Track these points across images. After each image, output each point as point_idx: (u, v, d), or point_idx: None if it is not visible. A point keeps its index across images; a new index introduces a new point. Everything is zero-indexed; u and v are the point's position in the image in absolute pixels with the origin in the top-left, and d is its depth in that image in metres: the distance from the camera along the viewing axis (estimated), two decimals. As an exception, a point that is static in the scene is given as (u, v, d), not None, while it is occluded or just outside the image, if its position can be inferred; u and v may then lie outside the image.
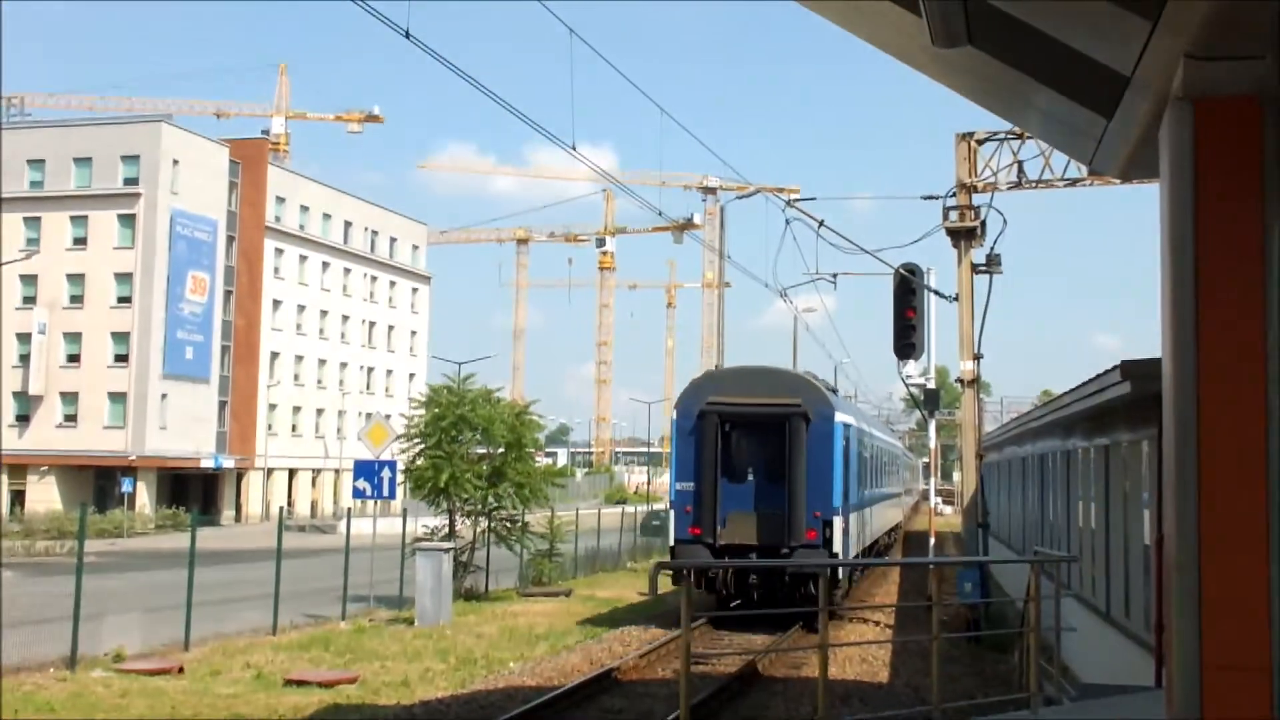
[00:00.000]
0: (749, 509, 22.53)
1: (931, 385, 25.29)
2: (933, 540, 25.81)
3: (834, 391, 26.96)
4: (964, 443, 26.54)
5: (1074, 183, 26.24)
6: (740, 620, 22.31)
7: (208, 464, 73.35)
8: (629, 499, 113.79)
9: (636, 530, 47.78)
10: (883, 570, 36.82)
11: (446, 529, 29.46)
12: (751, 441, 22.61)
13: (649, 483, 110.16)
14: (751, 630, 21.83)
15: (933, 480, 26.69)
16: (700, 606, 22.84)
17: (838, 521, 22.21)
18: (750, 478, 22.74)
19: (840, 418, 23.01)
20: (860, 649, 19.96)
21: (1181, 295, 5.97)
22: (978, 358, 25.18)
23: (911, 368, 24.33)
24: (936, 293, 24.97)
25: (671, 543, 22.36)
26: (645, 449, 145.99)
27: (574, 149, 17.17)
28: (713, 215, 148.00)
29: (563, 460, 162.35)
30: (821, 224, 25.24)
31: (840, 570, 23.61)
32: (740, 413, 22.40)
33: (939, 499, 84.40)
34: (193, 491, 73.85)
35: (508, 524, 30.27)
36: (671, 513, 22.63)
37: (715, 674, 17.66)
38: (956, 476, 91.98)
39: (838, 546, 22.09)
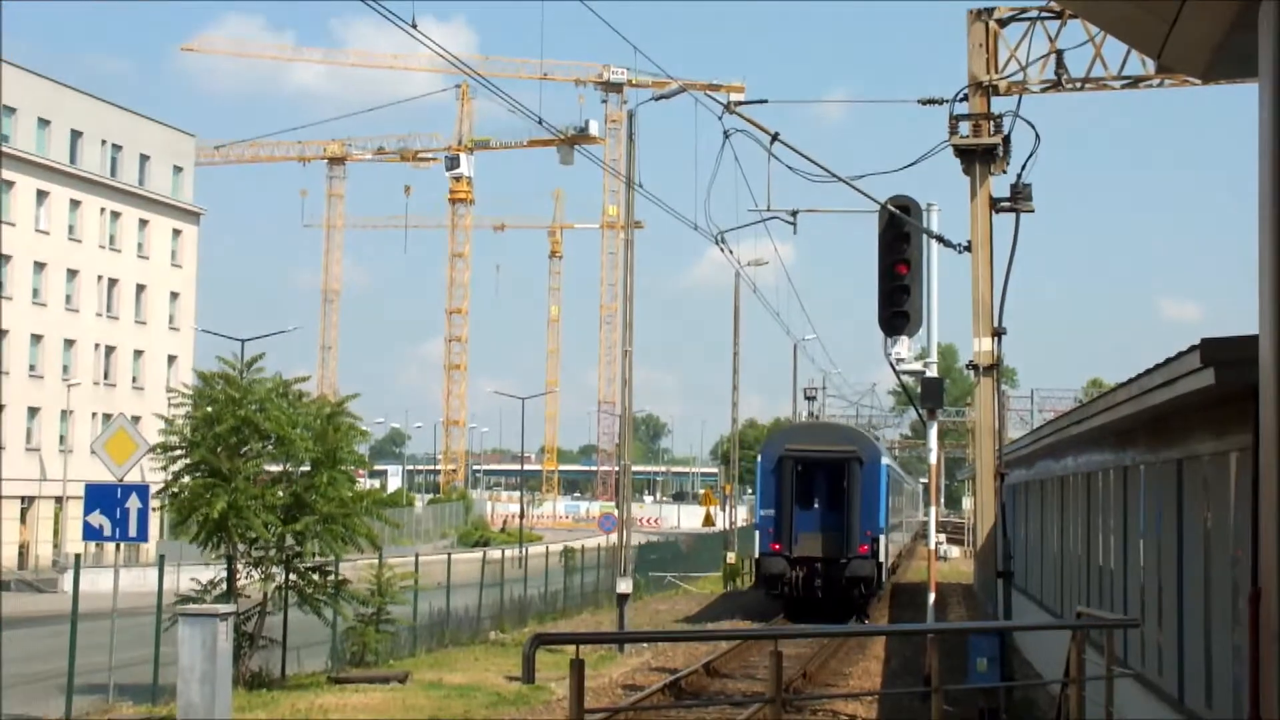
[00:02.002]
0: (816, 529, 44.29)
1: (932, 373, 25.57)
2: (932, 596, 26.14)
3: (878, 440, 50.29)
4: (978, 456, 26.89)
5: (1135, 82, 26.69)
6: (804, 615, 42.34)
7: None
8: (493, 539, 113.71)
9: (597, 570, 46.92)
10: (858, 640, 37.27)
11: (224, 584, 29.18)
12: (818, 478, 44.68)
13: (523, 516, 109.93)
14: (814, 619, 41.22)
15: (933, 511, 27.02)
16: (756, 614, 44.50)
17: (883, 538, 44.70)
18: (816, 505, 44.67)
19: (884, 461, 46.29)
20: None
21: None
22: (999, 334, 25.51)
23: (903, 347, 24.57)
24: (940, 239, 25.21)
25: (757, 555, 45.33)
26: (519, 466, 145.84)
27: (414, 26, 17.03)
28: (617, 124, 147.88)
29: (396, 483, 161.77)
30: (775, 138, 25.34)
31: (883, 571, 46.56)
32: (810, 458, 44.65)
33: (941, 537, 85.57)
34: None
35: (315, 577, 30.16)
36: (757, 532, 45.59)
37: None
38: (967, 504, 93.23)
39: (882, 556, 44.90)
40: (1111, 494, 20.48)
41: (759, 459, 46.44)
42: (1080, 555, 23.76)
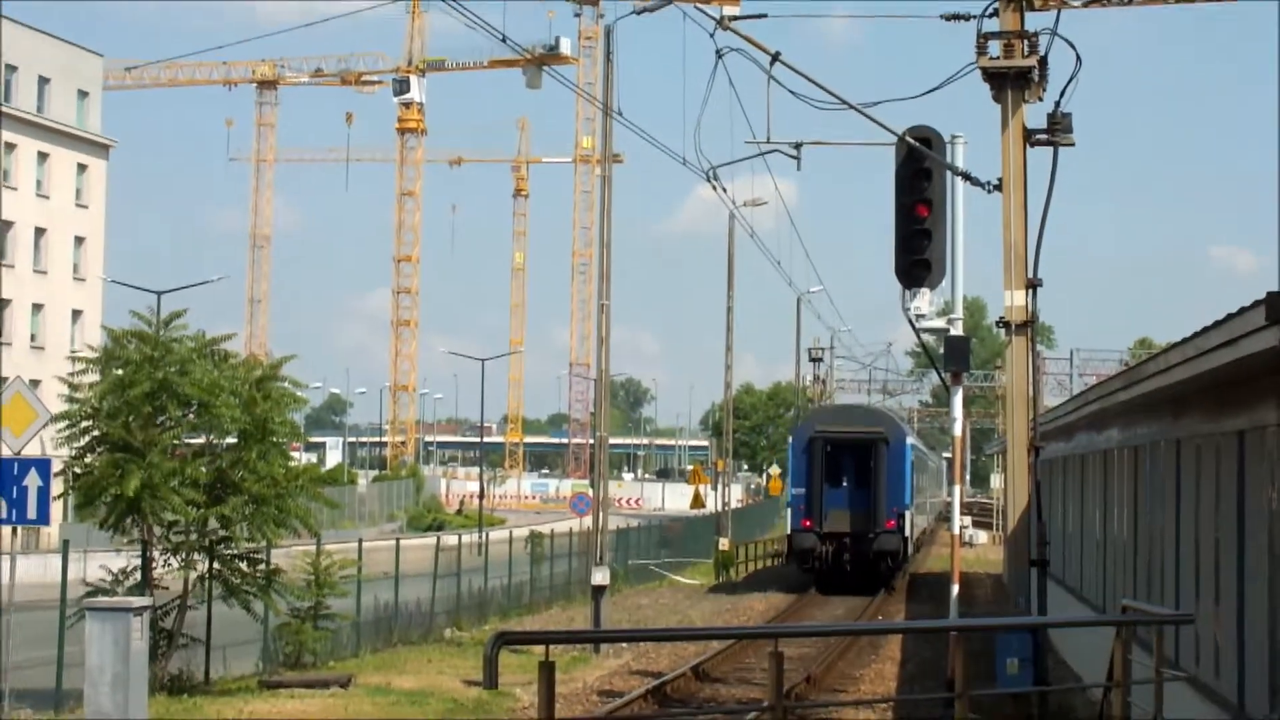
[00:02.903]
0: (844, 506, 52.90)
1: (957, 330, 25.58)
2: (955, 589, 26.20)
3: (904, 421, 62.34)
4: (1009, 427, 26.92)
5: (1192, -4, 26.61)
6: (837, 589, 52.19)
7: None
8: (449, 522, 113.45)
9: (569, 558, 47.47)
10: (869, 639, 37.38)
11: (138, 574, 29.18)
12: (846, 458, 53.66)
13: (483, 495, 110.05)
14: (845, 594, 51.15)
15: (957, 490, 27.02)
16: (787, 585, 55.86)
17: (908, 514, 53.45)
18: (845, 484, 53.52)
19: (909, 441, 55.92)
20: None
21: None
22: (1033, 286, 25.49)
23: (924, 301, 24.57)
24: (966, 176, 25.21)
25: (789, 531, 54.57)
26: (478, 439, 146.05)
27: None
28: (592, 41, 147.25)
29: (335, 457, 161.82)
30: (776, 59, 25.29)
31: (909, 545, 56.43)
32: (839, 438, 53.70)
33: (966, 519, 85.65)
34: None
35: (243, 566, 30.18)
36: (789, 510, 54.81)
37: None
38: (996, 482, 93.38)
39: (908, 531, 53.85)
40: (1163, 470, 20.56)
41: (790, 440, 58.42)
42: (1126, 541, 23.86)
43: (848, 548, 52.92)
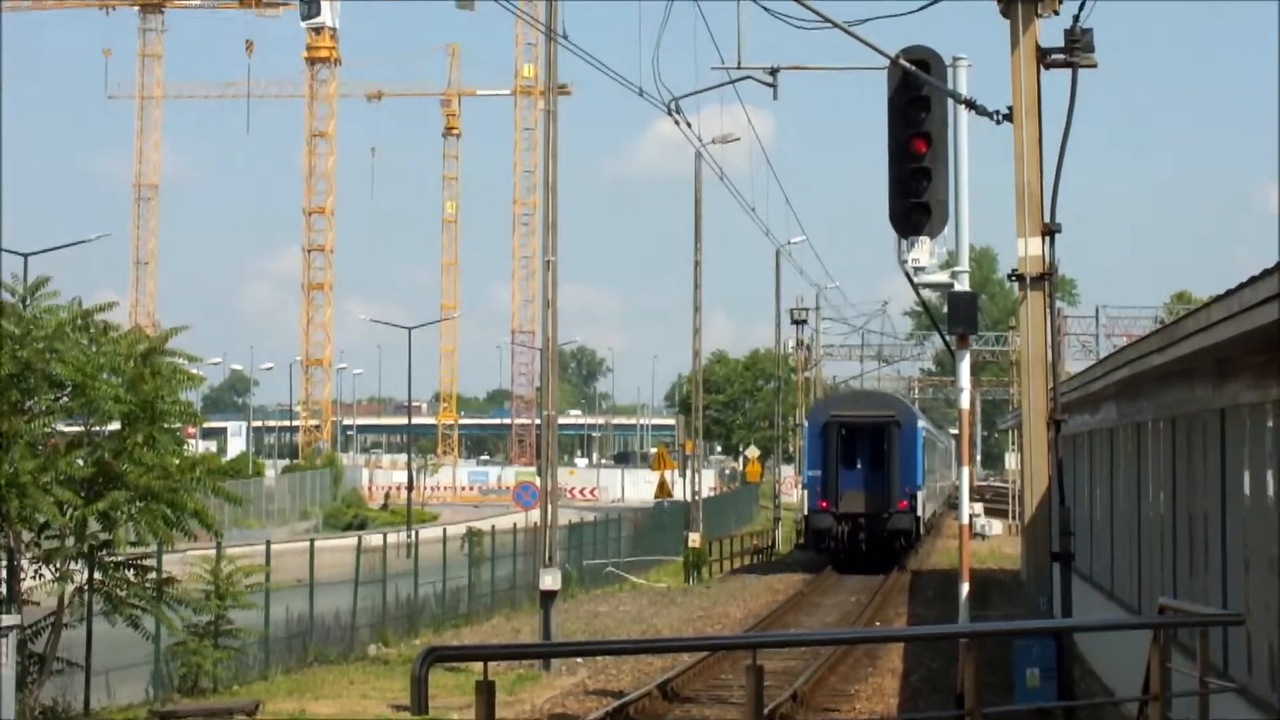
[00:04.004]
0: (859, 488, 65.07)
1: (963, 286, 25.56)
2: (965, 588, 26.21)
3: (915, 405, 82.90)
4: (1025, 397, 26.89)
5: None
6: (850, 568, 62.98)
7: None
8: (373, 519, 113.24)
9: (513, 559, 47.60)
10: (866, 649, 37.40)
11: (3, 589, 29.02)
12: (861, 441, 66.11)
13: (412, 487, 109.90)
14: (859, 573, 61.13)
15: (965, 472, 27.04)
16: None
17: (920, 494, 66.29)
18: (859, 466, 66.03)
19: (920, 424, 69.22)
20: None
21: None
22: (1051, 232, 25.49)
23: (924, 252, 24.54)
24: (971, 105, 25.17)
25: (805, 513, 66.76)
26: (405, 420, 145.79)
27: None
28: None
29: (238, 445, 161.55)
30: (746, -29, 25.15)
31: (921, 525, 70.53)
32: (853, 422, 66.19)
33: (976, 506, 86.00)
34: None
35: (129, 575, 30.03)
36: (805, 492, 67.50)
37: None
38: (1011, 463, 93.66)
39: (919, 510, 66.94)
40: (1207, 446, 20.55)
41: (805, 424, 74.19)
42: (1164, 530, 23.87)
43: (862, 528, 65.14)
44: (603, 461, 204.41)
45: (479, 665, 12.94)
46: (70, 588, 29.49)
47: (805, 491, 68.14)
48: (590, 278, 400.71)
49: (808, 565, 67.45)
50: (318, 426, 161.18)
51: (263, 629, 36.39)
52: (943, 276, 25.48)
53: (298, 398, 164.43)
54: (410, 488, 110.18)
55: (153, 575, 30.48)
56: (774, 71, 29.35)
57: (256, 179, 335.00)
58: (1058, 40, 25.70)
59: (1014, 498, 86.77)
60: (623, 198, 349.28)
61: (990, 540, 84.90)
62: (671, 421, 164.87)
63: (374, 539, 54.17)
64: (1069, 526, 25.56)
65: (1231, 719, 17.03)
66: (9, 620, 25.22)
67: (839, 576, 62.17)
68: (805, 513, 67.49)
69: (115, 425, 29.46)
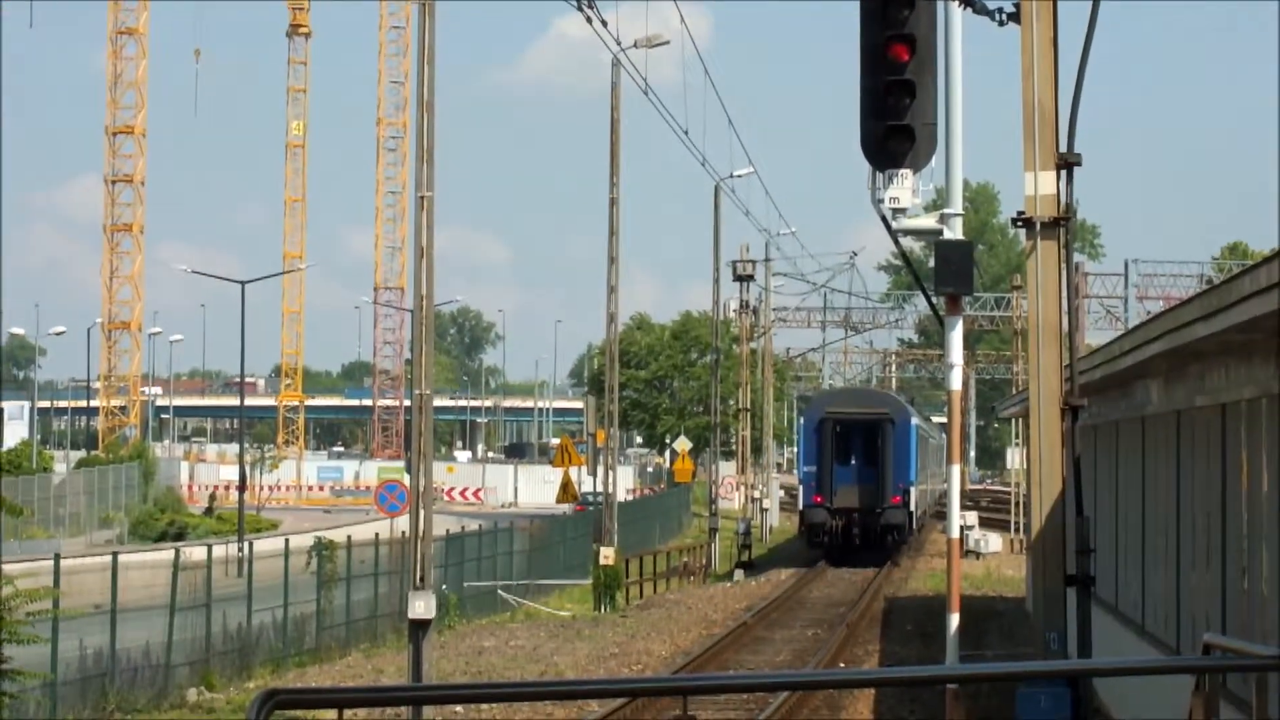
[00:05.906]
0: (853, 483, 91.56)
1: (956, 233, 25.66)
2: (954, 620, 26.37)
3: (910, 402, 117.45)
4: (1032, 376, 27.07)
5: None
6: (847, 561, 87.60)
7: None
8: (195, 527, 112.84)
9: (374, 579, 47.58)
10: (828, 695, 37.61)
11: None
12: (855, 437, 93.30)
13: (244, 486, 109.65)
14: (853, 566, 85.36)
15: (955, 471, 27.17)
16: (796, 560, 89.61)
17: (913, 490, 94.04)
18: (853, 462, 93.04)
19: (914, 421, 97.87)
20: None
21: None
22: (1068, 165, 25.65)
23: (904, 189, 24.61)
24: (967, 1, 25.27)
25: (801, 507, 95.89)
26: (236, 401, 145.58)
27: None
28: None
29: (19, 432, 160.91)
30: None
31: (914, 520, 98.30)
32: (848, 419, 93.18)
33: (968, 516, 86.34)
34: None
35: None
36: (801, 487, 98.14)
37: None
38: (1014, 460, 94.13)
39: (913, 505, 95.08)
40: (1264, 443, 20.70)
41: (800, 421, 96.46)
42: (1211, 549, 24.05)
43: (856, 522, 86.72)
44: (490, 455, 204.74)
45: (332, 714, 12.96)
46: None
47: (801, 486, 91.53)
48: (476, 221, 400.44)
49: (750, 591, 68.85)
50: (123, 408, 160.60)
51: (49, 670, 36.23)
52: (929, 221, 25.59)
53: (97, 371, 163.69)
54: (243, 487, 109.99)
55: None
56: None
57: (42, 90, 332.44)
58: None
59: (1017, 505, 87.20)
60: (517, 119, 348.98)
61: (986, 559, 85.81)
62: (579, 405, 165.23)
63: (196, 552, 54.18)
64: (1089, 543, 25.73)
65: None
66: None
67: (766, 633, 60.28)
68: (800, 507, 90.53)
69: None
